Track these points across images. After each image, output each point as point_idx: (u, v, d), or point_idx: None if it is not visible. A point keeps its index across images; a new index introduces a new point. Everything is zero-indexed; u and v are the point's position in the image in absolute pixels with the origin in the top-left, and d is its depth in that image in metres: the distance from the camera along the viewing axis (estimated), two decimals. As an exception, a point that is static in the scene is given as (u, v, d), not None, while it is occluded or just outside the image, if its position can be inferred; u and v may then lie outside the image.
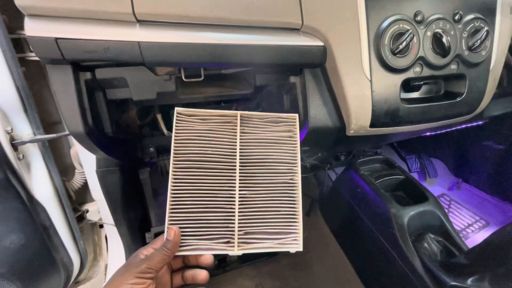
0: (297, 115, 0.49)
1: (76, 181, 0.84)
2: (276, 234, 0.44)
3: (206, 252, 0.42)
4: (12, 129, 0.61)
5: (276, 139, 0.47)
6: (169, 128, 0.90)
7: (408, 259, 0.64)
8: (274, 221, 0.44)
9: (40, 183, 0.69)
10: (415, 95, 0.58)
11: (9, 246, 0.63)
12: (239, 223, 0.43)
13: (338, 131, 0.58)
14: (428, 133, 1.02)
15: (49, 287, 0.73)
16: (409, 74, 0.53)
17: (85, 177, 0.82)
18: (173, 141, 0.44)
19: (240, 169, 0.45)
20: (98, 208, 0.88)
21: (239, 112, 0.47)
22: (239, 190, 0.44)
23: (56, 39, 0.42)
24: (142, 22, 0.44)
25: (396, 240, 0.66)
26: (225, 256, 0.97)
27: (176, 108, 0.45)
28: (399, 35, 0.49)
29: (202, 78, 0.55)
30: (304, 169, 1.07)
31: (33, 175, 0.68)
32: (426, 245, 0.66)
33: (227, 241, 0.43)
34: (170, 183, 0.43)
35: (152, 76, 0.55)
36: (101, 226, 0.99)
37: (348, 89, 0.51)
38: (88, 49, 0.44)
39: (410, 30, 0.49)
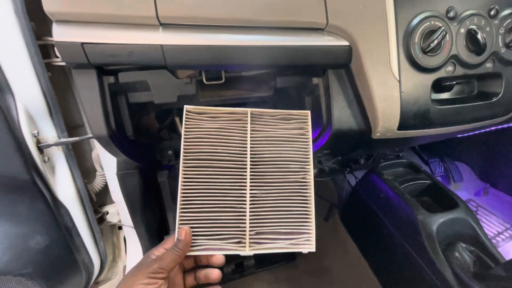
0: (309, 111, 0.47)
1: (97, 183, 0.85)
2: (288, 234, 0.43)
3: (217, 252, 0.41)
4: (38, 132, 0.63)
5: (288, 137, 0.46)
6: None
7: (438, 269, 0.60)
8: (286, 221, 0.43)
9: (64, 185, 0.70)
10: (446, 95, 0.55)
11: (34, 247, 0.65)
12: (250, 223, 0.42)
13: (362, 134, 0.55)
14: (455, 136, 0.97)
15: (71, 287, 0.74)
16: (441, 73, 0.50)
17: (105, 179, 0.83)
18: (182, 139, 0.43)
19: (251, 168, 0.44)
20: (118, 210, 0.89)
21: (249, 110, 0.46)
22: (250, 190, 0.43)
23: (82, 43, 0.43)
24: (165, 26, 0.44)
25: (425, 249, 0.63)
26: (242, 260, 0.96)
27: (185, 106, 0.44)
28: (430, 32, 0.47)
29: (223, 80, 0.55)
30: (322, 173, 1.05)
31: (57, 177, 0.70)
32: (457, 254, 0.62)
33: (239, 241, 0.42)
34: (180, 183, 0.42)
35: (173, 79, 0.55)
36: (120, 228, 1.01)
37: (375, 90, 0.48)
38: (112, 53, 0.44)
39: (443, 27, 0.46)
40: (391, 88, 0.49)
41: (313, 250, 0.43)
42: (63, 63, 0.65)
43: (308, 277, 0.97)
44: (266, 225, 0.43)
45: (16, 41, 0.55)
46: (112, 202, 0.92)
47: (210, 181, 0.43)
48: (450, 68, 0.50)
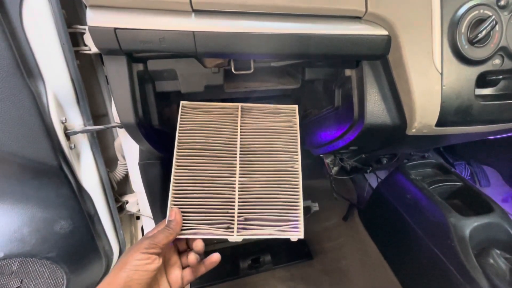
0: (296, 106, 0.51)
1: (118, 173, 0.86)
2: (276, 221, 0.45)
3: (206, 236, 0.43)
4: (65, 119, 0.64)
5: (276, 129, 0.49)
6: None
7: (471, 276, 0.57)
8: (274, 208, 0.45)
9: (88, 172, 0.71)
10: (490, 91, 0.51)
11: (59, 232, 0.66)
12: (239, 209, 0.44)
13: (396, 130, 0.53)
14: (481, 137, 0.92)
15: (91, 273, 0.76)
16: (487, 66, 0.47)
17: (126, 168, 0.84)
18: (177, 131, 0.47)
19: (240, 157, 0.47)
20: (137, 200, 0.90)
21: (239, 104, 0.50)
22: (239, 177, 0.46)
23: (115, 29, 0.42)
24: (198, 12, 0.43)
25: (456, 254, 0.60)
26: (258, 256, 0.95)
27: (181, 102, 0.49)
28: (478, 22, 0.44)
29: (252, 70, 0.53)
30: (343, 171, 1.02)
31: (82, 164, 0.71)
32: (491, 261, 0.58)
33: (227, 226, 0.44)
34: (173, 170, 0.45)
35: (201, 69, 0.54)
36: (138, 218, 1.02)
37: (414, 83, 0.46)
38: (144, 39, 0.43)
39: (493, 17, 0.43)
40: (432, 81, 0.46)
41: (301, 237, 0.44)
42: (91, 52, 0.66)
43: (324, 277, 0.95)
44: (254, 212, 0.44)
45: (48, 28, 0.55)
46: (131, 192, 0.93)
47: (201, 168, 0.46)
48: (497, 61, 0.47)
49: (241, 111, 0.50)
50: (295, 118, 0.50)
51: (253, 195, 0.46)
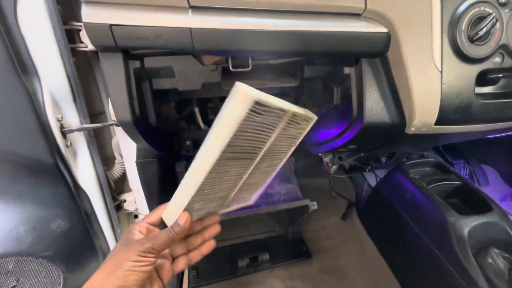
0: (316, 117, 0.43)
1: (116, 171, 0.86)
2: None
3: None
4: (62, 117, 0.63)
5: (290, 135, 0.43)
6: (206, 122, 0.90)
7: (469, 275, 0.56)
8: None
9: (85, 171, 0.71)
10: (490, 89, 0.51)
11: (56, 230, 0.65)
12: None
13: (395, 128, 0.52)
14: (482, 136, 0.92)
15: (88, 272, 0.75)
16: (487, 64, 0.46)
17: (124, 167, 0.84)
18: (231, 128, 0.32)
19: (258, 160, 0.41)
20: (135, 199, 0.90)
21: (291, 109, 0.37)
22: (247, 178, 0.43)
23: (111, 25, 0.42)
24: (195, 8, 0.43)
25: (454, 253, 0.59)
26: (257, 255, 0.95)
27: (254, 95, 0.31)
28: (479, 19, 0.43)
29: (250, 68, 0.53)
30: (342, 170, 1.02)
31: (79, 163, 0.70)
32: (490, 260, 0.58)
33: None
34: (206, 172, 0.35)
35: (198, 66, 0.54)
36: (136, 216, 1.01)
37: (414, 81, 0.45)
38: (140, 35, 0.43)
39: (493, 14, 0.42)
40: (431, 79, 0.45)
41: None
42: (87, 49, 0.65)
43: (323, 276, 0.95)
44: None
45: (43, 25, 0.54)
46: (129, 190, 0.92)
47: (226, 171, 0.39)
48: (497, 59, 0.46)
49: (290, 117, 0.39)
50: (305, 128, 0.42)
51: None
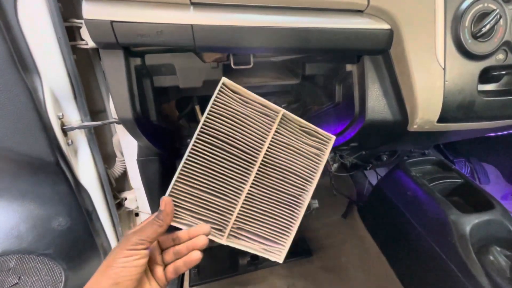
0: (334, 137, 0.46)
1: (117, 169, 0.86)
2: (266, 240, 0.44)
3: None
4: (62, 115, 0.63)
5: (304, 152, 0.45)
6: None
7: (471, 273, 0.56)
8: (268, 227, 0.44)
9: (86, 169, 0.71)
10: (493, 86, 0.51)
11: (57, 228, 0.65)
12: (237, 217, 0.43)
13: (397, 126, 0.52)
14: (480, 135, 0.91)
15: (90, 270, 0.75)
16: (491, 61, 0.46)
17: (125, 165, 0.84)
18: (207, 111, 0.42)
19: (259, 167, 0.43)
20: (136, 197, 0.90)
21: (282, 111, 0.44)
22: (250, 187, 0.43)
23: (112, 22, 0.41)
24: (196, 5, 0.42)
25: (456, 251, 0.59)
26: (257, 253, 0.95)
27: (223, 78, 0.43)
28: (482, 15, 0.43)
29: (251, 65, 0.52)
30: (343, 168, 1.02)
31: (80, 161, 0.70)
32: (492, 258, 0.58)
33: (220, 229, 0.42)
34: (187, 153, 0.41)
35: (200, 63, 0.54)
36: (137, 214, 1.01)
37: (416, 78, 0.45)
38: (141, 32, 0.43)
39: (497, 10, 0.42)
40: (434, 76, 0.45)
41: (280, 262, 0.44)
42: (88, 46, 0.65)
43: (324, 274, 0.95)
44: (250, 224, 0.43)
45: (44, 22, 0.54)
46: (130, 188, 0.92)
47: (217, 163, 0.42)
48: (501, 56, 0.46)
49: (281, 118, 0.44)
50: (326, 149, 0.46)
51: (256, 208, 0.44)
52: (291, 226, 0.45)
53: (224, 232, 0.42)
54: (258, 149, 0.43)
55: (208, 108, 0.42)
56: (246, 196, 0.43)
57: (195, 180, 0.42)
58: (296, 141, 0.45)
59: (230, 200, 0.43)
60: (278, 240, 0.44)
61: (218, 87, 0.42)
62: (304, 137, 0.45)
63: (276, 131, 0.44)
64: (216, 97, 0.42)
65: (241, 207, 0.43)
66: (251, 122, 0.43)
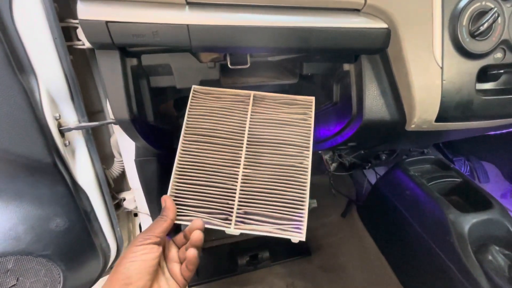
0: (313, 98, 0.49)
1: (115, 169, 0.85)
2: (278, 219, 0.42)
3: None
4: (59, 116, 0.63)
5: (289, 121, 0.47)
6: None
7: (470, 273, 0.56)
8: (277, 205, 0.42)
9: (83, 170, 0.70)
10: (491, 85, 0.51)
11: (55, 229, 0.65)
12: (239, 201, 0.43)
13: (395, 126, 0.52)
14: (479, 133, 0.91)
15: (88, 271, 0.75)
16: (489, 60, 0.46)
17: (123, 165, 0.83)
18: (186, 115, 0.46)
19: (247, 148, 0.45)
20: (134, 197, 0.90)
21: (252, 92, 0.48)
22: (244, 168, 0.44)
23: (107, 22, 0.41)
24: (192, 4, 0.42)
25: (455, 250, 0.59)
26: (257, 253, 0.95)
27: (193, 86, 0.48)
28: (480, 14, 0.43)
29: (248, 65, 0.52)
30: (342, 167, 1.01)
31: (77, 162, 0.70)
32: (490, 258, 0.58)
33: (225, 217, 0.42)
34: (178, 154, 0.45)
35: (197, 63, 0.53)
36: (136, 215, 1.01)
37: (414, 78, 0.45)
38: (137, 32, 0.42)
39: (495, 9, 0.42)
40: (432, 76, 0.45)
41: (303, 239, 0.40)
42: (85, 46, 0.65)
43: (323, 273, 0.95)
44: (255, 206, 0.42)
45: (39, 22, 0.54)
46: (128, 189, 0.92)
47: (206, 156, 0.45)
48: (499, 54, 0.46)
49: (253, 99, 0.48)
50: (311, 111, 0.47)
51: (256, 188, 0.43)
52: (302, 196, 0.43)
53: (230, 220, 0.42)
54: (240, 132, 0.46)
55: (187, 112, 0.47)
56: (242, 179, 0.44)
57: (191, 176, 0.44)
58: (276, 114, 0.47)
59: (228, 186, 0.44)
60: (292, 216, 0.42)
61: (191, 94, 0.47)
62: (284, 108, 0.48)
63: (252, 111, 0.47)
64: (191, 101, 0.47)
65: (241, 190, 0.43)
66: (228, 111, 0.47)
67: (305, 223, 0.41)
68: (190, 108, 0.47)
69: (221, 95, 0.48)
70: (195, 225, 0.41)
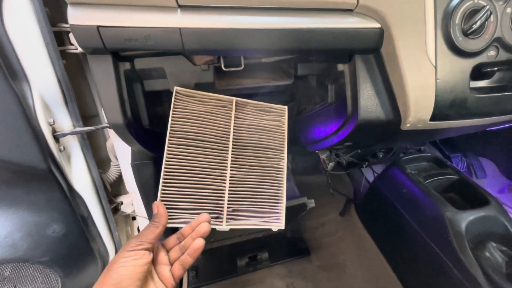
0: (286, 107, 0.54)
1: (112, 174, 0.85)
2: (261, 212, 0.48)
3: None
4: (54, 121, 0.62)
5: (267, 127, 0.52)
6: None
7: (467, 269, 0.56)
8: (260, 201, 0.48)
9: (79, 175, 0.70)
10: (485, 83, 0.51)
11: (52, 235, 0.65)
12: (228, 201, 0.46)
13: (390, 125, 0.52)
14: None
15: (87, 276, 0.75)
16: (482, 58, 0.46)
17: (120, 169, 0.83)
18: (170, 118, 0.46)
19: (232, 151, 0.48)
20: (132, 201, 0.89)
21: (234, 98, 0.50)
22: (230, 170, 0.47)
23: (98, 27, 0.41)
24: (184, 7, 0.42)
25: (452, 248, 0.59)
26: (256, 254, 0.95)
27: (175, 88, 0.48)
28: (473, 12, 0.42)
29: (242, 67, 0.52)
30: (339, 166, 1.01)
31: (73, 167, 0.69)
32: (487, 254, 0.58)
33: (217, 216, 0.45)
34: (164, 158, 0.45)
35: (191, 67, 0.53)
36: (134, 218, 1.01)
37: (408, 77, 0.45)
38: (128, 37, 0.42)
39: (487, 7, 0.42)
40: (426, 75, 0.45)
41: (282, 228, 0.48)
42: (78, 51, 0.64)
43: (322, 272, 0.95)
44: (242, 203, 0.47)
45: (31, 27, 0.53)
46: (126, 192, 0.92)
47: (194, 159, 0.46)
48: (492, 52, 0.46)
49: (235, 105, 0.50)
50: (284, 118, 0.53)
51: (242, 188, 0.47)
52: (279, 192, 0.50)
53: (222, 218, 0.45)
54: (226, 136, 0.48)
55: (171, 115, 0.47)
56: (230, 180, 0.47)
57: (180, 180, 0.45)
58: (256, 120, 0.51)
59: (217, 187, 0.46)
60: (273, 209, 0.49)
61: (173, 96, 0.48)
62: (262, 115, 0.52)
63: (236, 117, 0.50)
64: (174, 104, 0.47)
65: (229, 190, 0.46)
66: (212, 116, 0.49)
67: (283, 214, 0.49)
68: (174, 110, 0.47)
69: (205, 99, 0.49)
70: (202, 218, 0.42)
